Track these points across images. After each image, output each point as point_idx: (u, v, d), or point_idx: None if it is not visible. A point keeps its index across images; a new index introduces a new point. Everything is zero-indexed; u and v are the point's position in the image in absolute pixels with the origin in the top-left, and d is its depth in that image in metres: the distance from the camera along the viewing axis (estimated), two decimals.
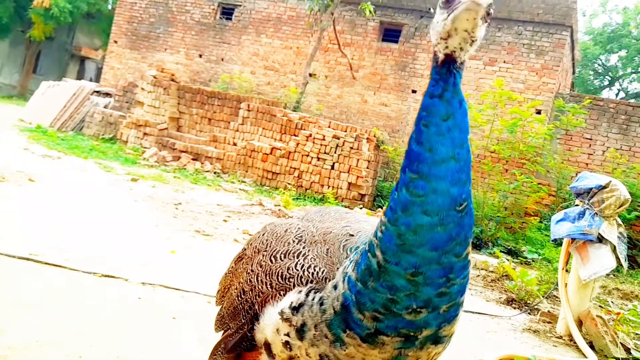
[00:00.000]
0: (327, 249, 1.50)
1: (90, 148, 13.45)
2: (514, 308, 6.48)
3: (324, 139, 12.89)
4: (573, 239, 5.57)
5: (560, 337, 5.56)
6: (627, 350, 5.24)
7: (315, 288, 1.42)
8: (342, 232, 1.55)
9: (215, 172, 13.45)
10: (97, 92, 17.71)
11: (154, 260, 5.22)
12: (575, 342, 5.31)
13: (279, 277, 1.52)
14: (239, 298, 1.66)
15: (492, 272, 8.00)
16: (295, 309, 1.42)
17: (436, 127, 1.27)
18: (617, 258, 5.46)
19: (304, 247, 1.55)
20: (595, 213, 5.44)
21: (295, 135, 13.27)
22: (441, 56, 1.32)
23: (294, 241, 1.59)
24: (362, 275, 1.31)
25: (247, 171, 13.48)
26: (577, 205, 5.73)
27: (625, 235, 5.68)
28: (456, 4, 1.25)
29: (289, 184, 12.90)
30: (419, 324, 1.28)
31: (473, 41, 1.29)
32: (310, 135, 13.01)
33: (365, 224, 1.63)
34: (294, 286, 1.47)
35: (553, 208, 11.02)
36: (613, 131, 12.88)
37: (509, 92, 11.43)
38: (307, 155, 12.96)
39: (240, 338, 1.63)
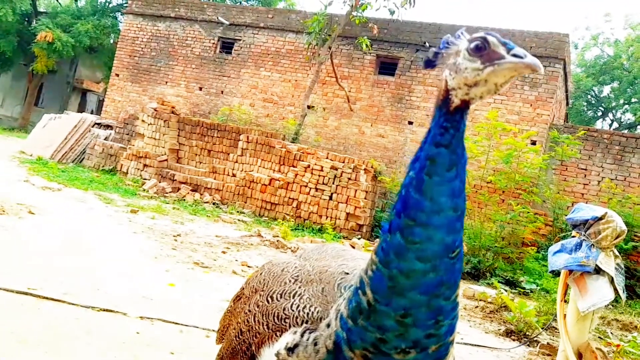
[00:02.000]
0: (323, 288, 1.51)
1: (90, 180, 13.52)
2: (513, 340, 6.45)
3: (322, 170, 12.99)
4: (570, 271, 5.59)
5: None
6: None
7: (310, 328, 1.44)
8: (338, 271, 1.56)
9: (214, 203, 13.49)
10: (98, 124, 17.88)
11: (153, 293, 5.23)
12: None
13: (275, 318, 1.54)
14: (237, 338, 1.68)
15: (490, 303, 7.98)
16: (291, 349, 1.44)
17: (439, 177, 1.25)
18: (615, 289, 5.47)
19: (299, 287, 1.57)
20: (592, 244, 5.47)
21: (293, 166, 13.37)
22: (456, 101, 1.29)
23: (290, 281, 1.61)
24: (353, 313, 1.32)
25: (245, 202, 13.53)
26: (573, 236, 5.76)
27: (623, 266, 5.70)
28: (499, 59, 1.24)
29: (287, 214, 12.94)
30: None
31: (496, 92, 1.30)
32: (309, 166, 13.11)
33: (362, 261, 1.64)
34: (289, 327, 1.49)
35: (550, 238, 11.04)
36: (608, 161, 13.00)
37: (503, 124, 11.59)
38: (306, 186, 13.03)
39: None
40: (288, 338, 1.47)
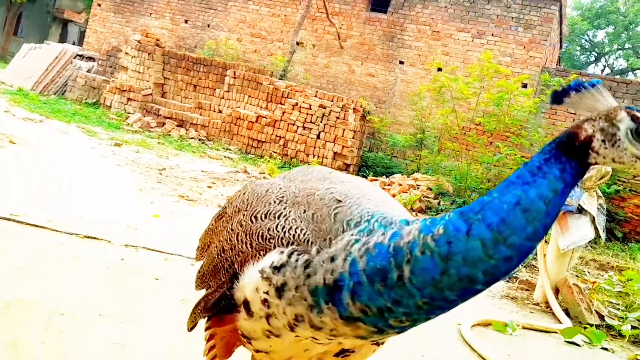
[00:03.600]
0: (313, 214, 1.46)
1: (73, 112, 13.23)
2: None
3: (310, 108, 12.82)
4: None
5: (537, 304, 5.70)
6: (601, 317, 5.39)
7: (298, 250, 1.41)
8: (328, 197, 1.51)
9: (200, 139, 13.35)
10: (80, 55, 17.33)
11: (138, 223, 5.20)
12: (551, 309, 5.44)
13: (260, 238, 1.50)
14: (219, 256, 1.65)
15: None
16: (277, 268, 1.41)
17: (551, 212, 1.22)
18: (596, 229, 5.57)
19: (285, 208, 1.52)
20: (577, 184, 5.52)
21: (281, 104, 13.18)
22: (591, 160, 1.24)
23: (275, 201, 1.56)
24: (373, 273, 1.28)
25: (232, 139, 13.40)
26: None
27: (605, 207, 5.79)
28: None
29: (274, 152, 12.87)
30: (398, 328, 1.34)
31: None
32: (297, 104, 12.93)
33: (349, 185, 1.61)
34: (274, 247, 1.46)
35: None
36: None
37: (496, 66, 11.43)
38: (293, 124, 12.90)
39: (220, 296, 1.62)
40: (274, 257, 1.44)
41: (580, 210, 5.49)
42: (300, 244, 1.43)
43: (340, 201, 1.48)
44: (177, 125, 13.76)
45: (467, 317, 4.51)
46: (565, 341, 4.70)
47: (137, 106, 14.29)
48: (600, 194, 5.68)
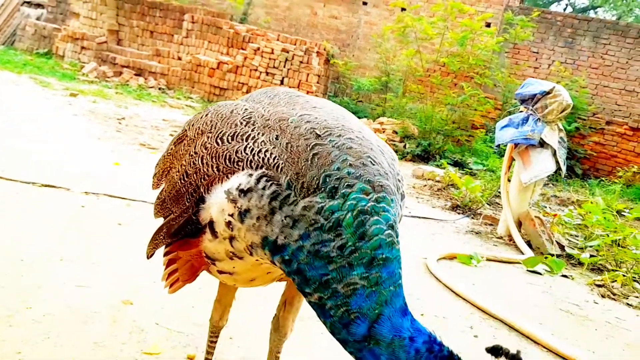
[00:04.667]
0: (288, 143, 1.38)
1: (24, 63, 12.60)
2: (458, 213, 6.73)
3: (272, 53, 12.51)
4: (516, 144, 5.73)
5: (501, 238, 5.85)
6: (562, 247, 5.57)
7: (268, 175, 1.36)
8: (305, 127, 1.42)
9: (160, 88, 12.94)
10: (28, 2, 16.36)
11: (97, 171, 5.05)
12: (514, 242, 5.60)
13: (227, 160, 1.44)
14: (182, 181, 1.59)
15: (438, 182, 8.23)
16: (243, 192, 1.37)
17: None
18: (557, 162, 5.69)
19: (253, 130, 1.45)
20: (539, 118, 5.58)
21: (242, 49, 12.82)
22: None
23: (241, 123, 1.49)
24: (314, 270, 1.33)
25: (193, 87, 13.04)
26: (521, 111, 5.85)
27: (566, 140, 5.89)
28: None
29: (237, 99, 12.58)
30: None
31: None
32: (259, 48, 12.59)
33: (323, 111, 1.54)
34: (242, 169, 1.41)
35: (497, 121, 11.28)
36: (559, 45, 13.04)
37: (460, 4, 11.28)
38: (256, 70, 12.60)
39: (185, 221, 1.57)
40: (242, 179, 1.39)
41: (542, 144, 5.57)
42: (270, 168, 1.37)
43: (319, 136, 1.40)
44: (136, 74, 13.28)
45: (433, 252, 4.60)
46: (528, 270, 4.85)
47: (92, 55, 13.69)
48: (561, 127, 5.76)
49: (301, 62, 12.38)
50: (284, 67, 12.45)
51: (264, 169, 1.38)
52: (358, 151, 1.39)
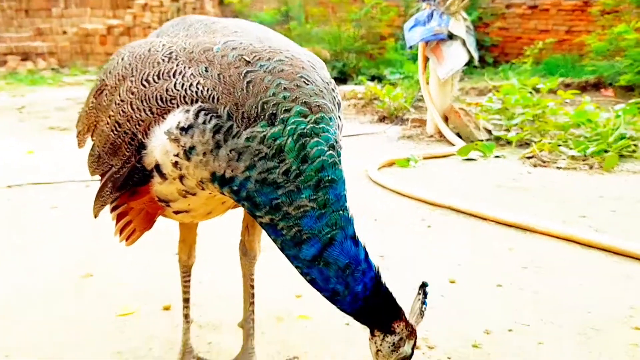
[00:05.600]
0: (219, 74, 1.33)
1: None
2: (387, 123, 6.86)
3: (162, 6, 11.89)
4: (427, 42, 5.82)
5: (432, 136, 6.04)
6: (489, 132, 5.84)
7: (206, 109, 1.31)
8: (232, 55, 1.37)
9: (52, 69, 12.08)
10: None
11: (12, 164, 4.74)
12: (445, 137, 5.80)
13: (159, 101, 1.37)
14: (115, 132, 1.50)
15: (361, 99, 8.29)
16: (184, 129, 1.32)
17: None
18: (469, 51, 5.84)
19: (178, 65, 1.38)
20: (442, 12, 5.66)
21: (129, 8, 12.08)
22: None
23: (163, 60, 1.41)
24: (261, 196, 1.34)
25: (87, 60, 12.25)
26: (424, 9, 5.91)
27: (472, 28, 6.04)
28: None
29: None
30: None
31: None
32: (146, 4, 11.91)
33: (245, 35, 1.49)
34: (177, 107, 1.34)
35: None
36: None
37: None
38: (149, 27, 11.92)
39: (130, 171, 1.50)
40: (179, 117, 1.33)
41: (451, 36, 5.69)
42: (206, 101, 1.32)
43: (249, 62, 1.35)
44: (22, 60, 12.27)
45: (372, 163, 4.69)
46: (463, 159, 5.07)
47: None
48: (465, 16, 5.88)
49: (194, 8, 11.87)
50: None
51: (199, 103, 1.33)
52: (290, 72, 1.36)
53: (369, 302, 1.40)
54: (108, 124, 1.54)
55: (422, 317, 1.49)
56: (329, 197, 1.34)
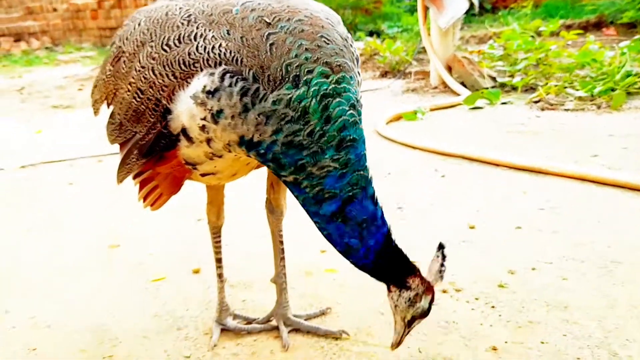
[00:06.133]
0: (242, 37, 1.33)
1: None
2: (390, 78, 6.81)
3: None
4: None
5: (436, 87, 6.01)
6: (494, 79, 5.80)
7: (231, 71, 1.31)
8: (252, 16, 1.36)
9: (46, 47, 11.94)
10: None
11: (22, 144, 4.77)
12: (449, 87, 5.77)
13: (182, 65, 1.37)
14: (137, 99, 1.50)
15: (361, 55, 8.18)
16: (210, 93, 1.33)
17: None
18: None
19: (198, 28, 1.37)
20: None
21: None
22: None
23: (183, 24, 1.40)
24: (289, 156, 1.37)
25: (81, 36, 12.10)
26: None
27: None
28: None
29: None
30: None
31: None
32: None
33: None
34: (201, 70, 1.34)
35: None
36: None
37: None
38: None
39: (157, 137, 1.51)
40: (204, 80, 1.33)
41: None
42: (230, 63, 1.32)
43: (270, 24, 1.35)
44: (15, 41, 12.13)
45: (379, 119, 4.68)
46: (470, 108, 5.06)
47: None
48: None
49: None
50: None
51: (224, 65, 1.33)
52: (311, 32, 1.36)
53: (381, 256, 1.46)
54: (129, 91, 1.54)
55: (441, 279, 1.52)
56: (351, 157, 1.39)
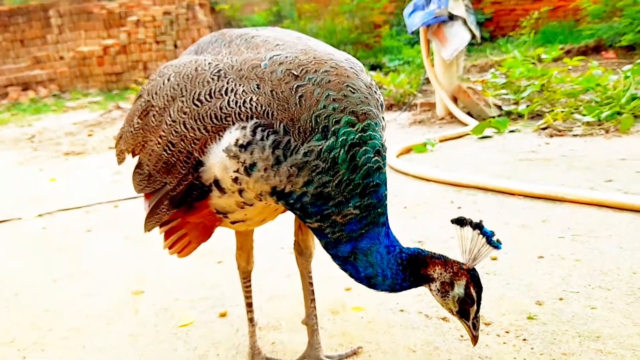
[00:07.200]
0: (272, 90, 1.37)
1: None
2: (396, 111, 6.89)
3: (154, 20, 11.92)
4: (428, 26, 5.84)
5: (443, 118, 6.07)
6: (499, 108, 5.86)
7: (262, 125, 1.35)
8: (280, 70, 1.40)
9: (54, 95, 12.16)
10: None
11: (38, 193, 4.81)
12: (456, 118, 5.83)
13: (213, 119, 1.40)
14: (168, 152, 1.53)
15: None
16: (243, 146, 1.36)
17: None
18: (470, 30, 5.86)
19: (228, 83, 1.41)
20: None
21: (122, 26, 12.13)
22: None
23: (213, 79, 1.43)
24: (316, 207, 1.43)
25: (87, 82, 12.32)
26: None
27: (472, 6, 6.05)
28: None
29: (137, 79, 12.04)
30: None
31: None
32: (139, 20, 11.95)
33: (288, 47, 1.49)
34: (233, 124, 1.38)
35: (398, 14, 11.37)
36: None
37: None
38: (144, 43, 12.00)
39: (188, 188, 1.54)
40: (237, 134, 1.37)
41: (451, 17, 5.70)
42: (262, 117, 1.36)
43: (297, 77, 1.39)
44: (23, 90, 12.38)
45: (389, 152, 4.72)
46: (478, 138, 5.10)
47: None
48: None
49: (187, 19, 11.89)
50: (172, 30, 11.93)
51: (255, 119, 1.37)
52: (337, 83, 1.41)
53: (399, 271, 1.49)
54: (159, 143, 1.57)
55: (492, 246, 1.47)
56: (372, 202, 1.44)
